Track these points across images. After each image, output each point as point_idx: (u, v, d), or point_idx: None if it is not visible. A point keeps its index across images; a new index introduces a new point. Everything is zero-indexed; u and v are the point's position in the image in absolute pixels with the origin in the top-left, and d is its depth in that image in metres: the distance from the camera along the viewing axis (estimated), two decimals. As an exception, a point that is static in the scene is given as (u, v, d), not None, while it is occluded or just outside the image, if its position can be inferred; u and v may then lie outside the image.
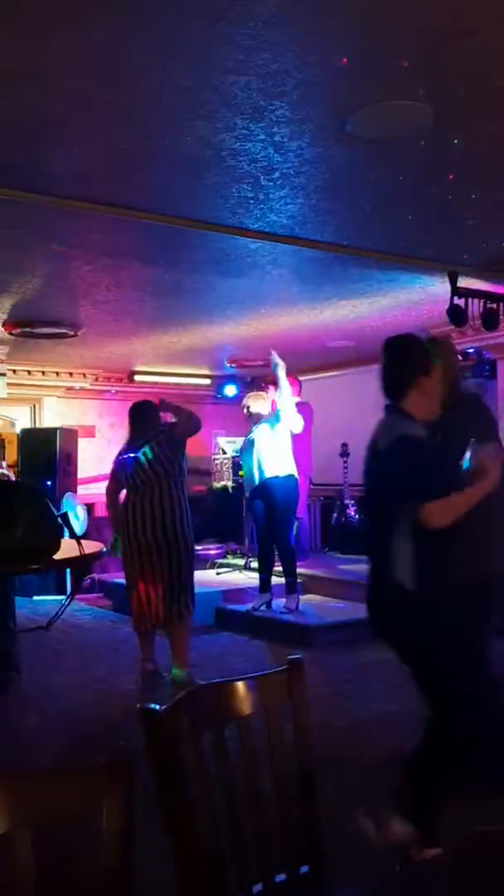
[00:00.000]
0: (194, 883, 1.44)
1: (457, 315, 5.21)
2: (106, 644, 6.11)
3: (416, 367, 2.57)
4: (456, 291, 5.18)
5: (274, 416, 6.29)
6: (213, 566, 8.50)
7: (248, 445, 6.45)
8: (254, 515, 6.64)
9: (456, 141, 3.27)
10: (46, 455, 8.25)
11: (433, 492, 2.38)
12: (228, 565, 8.31)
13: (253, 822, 1.55)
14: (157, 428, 4.80)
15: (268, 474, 6.23)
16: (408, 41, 2.52)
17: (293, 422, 6.32)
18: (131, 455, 4.69)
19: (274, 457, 6.25)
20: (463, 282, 5.22)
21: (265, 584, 6.54)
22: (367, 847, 2.83)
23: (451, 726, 2.53)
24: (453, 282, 5.16)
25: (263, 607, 6.49)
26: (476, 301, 5.26)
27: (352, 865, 2.56)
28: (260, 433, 6.33)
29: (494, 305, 5.34)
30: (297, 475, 6.46)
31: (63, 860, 1.22)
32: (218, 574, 7.59)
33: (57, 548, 3.26)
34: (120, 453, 4.85)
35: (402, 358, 2.65)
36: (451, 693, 2.48)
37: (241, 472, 8.40)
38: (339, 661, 5.49)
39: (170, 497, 4.61)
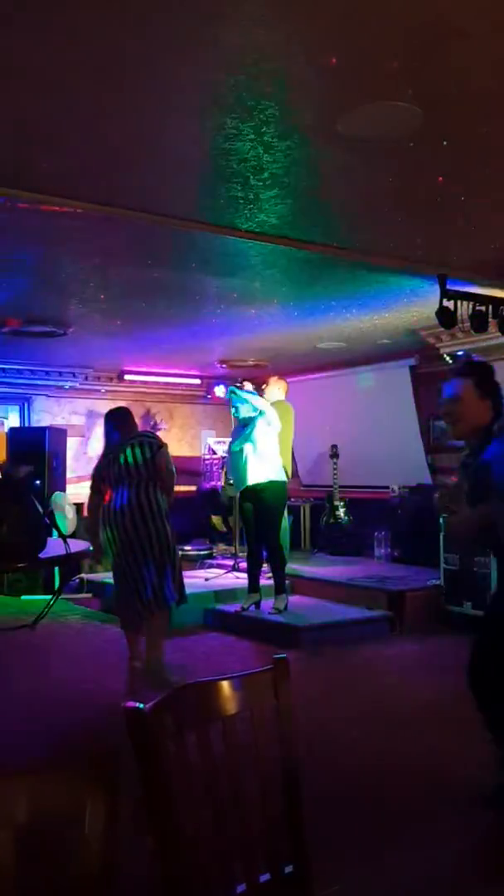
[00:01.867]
0: (178, 883, 1.44)
1: (446, 317, 5.21)
2: (93, 643, 6.09)
3: None
4: (445, 293, 5.19)
5: (256, 417, 6.30)
6: (201, 566, 8.49)
7: (237, 453, 6.44)
8: (243, 517, 6.64)
9: (445, 142, 3.28)
10: (35, 454, 8.24)
11: None
12: (218, 566, 8.30)
13: (237, 821, 1.55)
14: (139, 433, 4.95)
15: (258, 480, 6.25)
16: (397, 42, 2.52)
17: (269, 412, 6.37)
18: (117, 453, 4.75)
19: (262, 462, 6.27)
20: (452, 284, 5.23)
21: (254, 585, 6.54)
22: (351, 847, 2.83)
23: None
24: (442, 283, 5.17)
25: (252, 608, 6.49)
26: (465, 302, 5.27)
27: (336, 866, 2.57)
28: (245, 441, 6.34)
29: (483, 307, 5.35)
30: (285, 478, 6.48)
31: (46, 859, 1.22)
32: (207, 580, 7.59)
33: (42, 546, 3.26)
34: (104, 458, 4.89)
35: None
36: None
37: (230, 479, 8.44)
38: (327, 662, 5.50)
39: (154, 491, 4.73)
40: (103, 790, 1.24)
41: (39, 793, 1.24)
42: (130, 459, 4.71)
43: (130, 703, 1.40)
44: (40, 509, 3.23)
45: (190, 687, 1.59)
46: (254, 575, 6.54)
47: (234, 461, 6.52)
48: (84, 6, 2.31)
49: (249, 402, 6.35)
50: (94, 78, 2.74)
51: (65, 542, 3.44)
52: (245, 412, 6.38)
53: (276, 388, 7.33)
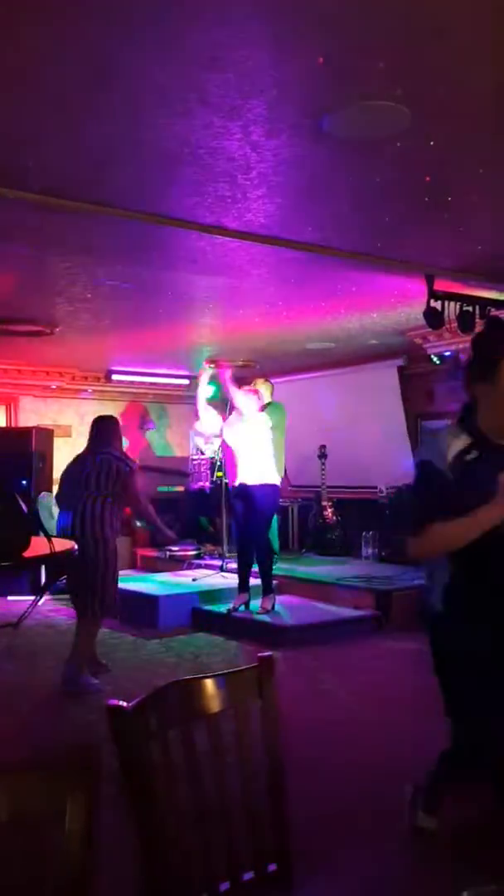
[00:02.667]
0: (161, 882, 1.43)
1: (433, 317, 5.23)
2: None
3: (477, 367, 2.18)
4: (433, 294, 5.21)
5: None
6: (189, 567, 8.48)
7: (232, 445, 6.47)
8: (234, 516, 6.65)
9: (432, 142, 3.28)
10: (21, 454, 8.20)
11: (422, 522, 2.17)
12: (206, 566, 8.29)
13: (221, 820, 1.54)
14: (115, 448, 5.07)
15: (249, 481, 6.27)
16: (384, 41, 2.52)
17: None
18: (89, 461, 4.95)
19: (257, 463, 6.29)
20: (439, 284, 5.25)
21: (244, 584, 6.55)
22: (334, 846, 2.83)
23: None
24: (430, 284, 5.19)
25: (242, 607, 6.50)
26: (452, 303, 5.29)
27: (319, 864, 2.57)
28: (240, 438, 6.36)
29: (470, 308, 5.37)
30: (278, 481, 6.50)
31: (26, 859, 1.21)
32: (195, 580, 7.58)
33: (26, 546, 3.24)
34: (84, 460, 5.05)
35: (475, 351, 2.22)
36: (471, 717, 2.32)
37: (219, 473, 8.45)
38: (313, 661, 5.50)
39: (105, 505, 4.86)
40: (85, 788, 1.23)
41: (20, 791, 1.23)
42: (96, 472, 4.85)
43: (113, 702, 1.39)
44: (25, 508, 3.22)
45: (174, 685, 1.58)
46: (244, 575, 6.54)
47: (226, 454, 6.56)
48: (73, 4, 2.30)
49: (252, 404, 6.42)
50: (81, 76, 2.73)
51: (49, 541, 3.42)
52: (246, 406, 6.40)
53: (265, 390, 7.42)
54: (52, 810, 1.22)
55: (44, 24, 2.40)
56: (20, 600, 7.27)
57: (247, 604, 6.51)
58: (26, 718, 4.29)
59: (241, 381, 6.93)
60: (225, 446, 6.79)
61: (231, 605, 6.55)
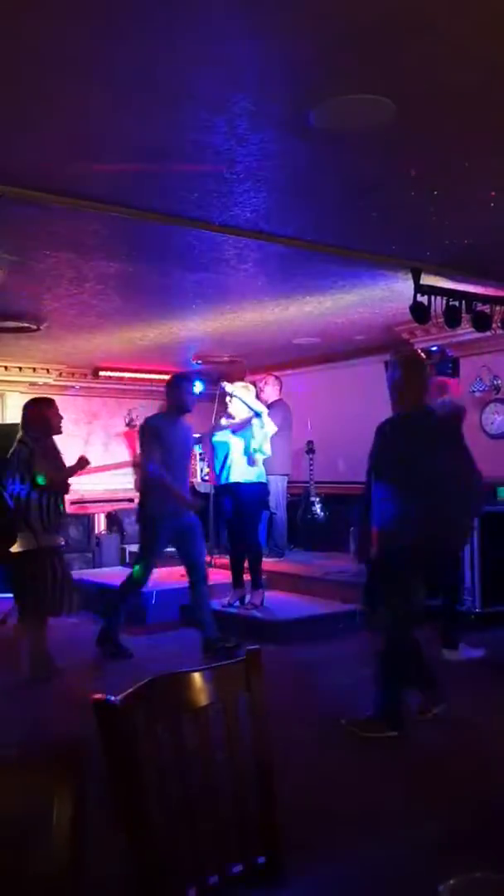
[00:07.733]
0: (149, 876, 1.43)
1: (420, 312, 5.24)
2: (67, 639, 6.04)
3: None
4: (419, 289, 5.21)
5: (252, 418, 6.38)
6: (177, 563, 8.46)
7: (222, 447, 6.45)
8: (224, 513, 6.66)
9: (418, 136, 3.28)
10: (8, 450, 8.15)
11: None
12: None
13: (209, 813, 1.54)
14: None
15: (243, 478, 6.28)
16: (369, 35, 2.52)
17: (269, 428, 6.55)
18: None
19: (249, 461, 6.30)
20: (426, 279, 5.25)
21: (238, 580, 6.56)
22: (323, 839, 2.84)
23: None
24: (416, 279, 5.19)
25: (237, 602, 6.52)
26: (439, 298, 5.30)
27: (309, 857, 2.57)
28: (233, 438, 6.37)
29: (456, 303, 5.38)
30: (266, 479, 6.52)
31: (13, 856, 1.20)
32: (182, 576, 7.56)
33: (12, 541, 3.23)
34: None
35: None
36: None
37: (206, 471, 8.44)
38: (302, 656, 5.51)
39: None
40: (71, 784, 1.22)
41: (5, 787, 1.22)
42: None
43: (99, 696, 1.39)
44: (10, 504, 3.21)
45: (161, 679, 1.58)
46: (237, 570, 6.56)
47: (217, 454, 6.54)
48: (56, 2, 2.29)
49: (246, 402, 6.42)
50: (67, 69, 2.71)
51: (36, 537, 3.41)
52: (238, 411, 6.43)
53: (272, 388, 7.52)
54: (38, 807, 1.21)
55: (29, 20, 2.38)
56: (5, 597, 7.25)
57: (242, 599, 6.53)
58: (10, 712, 4.28)
59: (230, 378, 6.96)
60: (214, 445, 6.79)
61: (227, 600, 6.57)
